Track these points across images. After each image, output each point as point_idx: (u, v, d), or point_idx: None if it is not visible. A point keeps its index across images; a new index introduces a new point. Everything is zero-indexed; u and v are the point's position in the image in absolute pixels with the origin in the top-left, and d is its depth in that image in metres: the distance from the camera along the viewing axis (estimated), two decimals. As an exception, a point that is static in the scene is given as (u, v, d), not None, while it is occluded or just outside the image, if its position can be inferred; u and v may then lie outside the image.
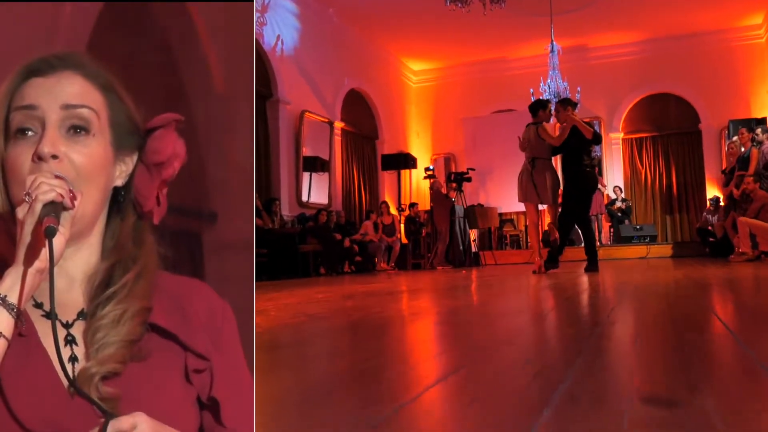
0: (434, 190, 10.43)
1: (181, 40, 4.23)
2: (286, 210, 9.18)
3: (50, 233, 0.78)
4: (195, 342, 0.89)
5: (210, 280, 0.98)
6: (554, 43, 11.22)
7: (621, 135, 13.18)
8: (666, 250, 10.83)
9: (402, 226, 11.26)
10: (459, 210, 10.42)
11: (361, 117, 12.17)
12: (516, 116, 13.00)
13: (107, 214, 0.93)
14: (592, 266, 5.79)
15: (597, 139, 5.87)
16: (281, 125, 9.45)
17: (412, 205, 11.46)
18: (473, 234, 11.76)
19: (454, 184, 10.80)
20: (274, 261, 7.35)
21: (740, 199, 8.12)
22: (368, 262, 9.76)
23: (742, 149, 8.27)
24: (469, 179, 10.95)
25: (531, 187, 5.95)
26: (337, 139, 11.05)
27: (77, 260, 0.90)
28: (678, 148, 12.97)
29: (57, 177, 0.83)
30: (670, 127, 12.97)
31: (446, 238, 9.95)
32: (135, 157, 0.94)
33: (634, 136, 13.21)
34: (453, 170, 12.49)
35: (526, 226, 12.78)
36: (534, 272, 5.92)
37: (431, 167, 12.31)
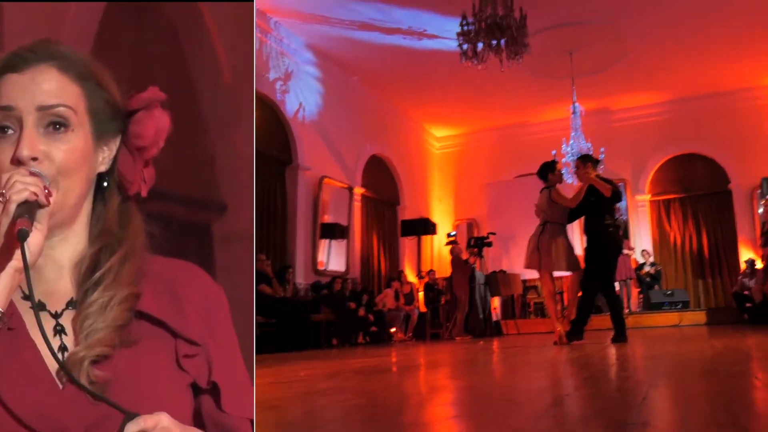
0: (453, 255, 10.21)
1: (189, 32, 4.26)
2: (301, 278, 9.05)
3: (23, 236, 0.78)
4: (186, 328, 0.89)
5: (219, 271, 0.95)
6: (576, 104, 11.13)
7: (648, 197, 12.87)
8: (700, 317, 10.32)
9: (421, 294, 11.00)
10: (480, 276, 10.15)
11: (382, 182, 12.15)
12: (539, 180, 12.87)
13: (92, 200, 0.93)
14: (620, 336, 5.45)
15: (617, 197, 5.61)
16: (299, 191, 9.45)
17: (430, 271, 11.23)
18: (495, 302, 11.43)
19: (475, 249, 10.55)
20: (284, 331, 7.17)
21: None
22: (384, 332, 9.48)
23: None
24: (489, 244, 10.71)
25: (535, 252, 5.70)
26: (357, 205, 11.00)
27: (65, 248, 0.90)
28: (707, 209, 12.58)
29: (32, 173, 0.83)
30: (698, 188, 12.63)
31: (465, 306, 9.65)
32: (118, 140, 0.93)
33: (661, 198, 12.88)
34: (475, 235, 12.27)
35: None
36: (555, 343, 5.57)
37: (453, 233, 12.12)
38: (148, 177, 0.96)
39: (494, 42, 8.50)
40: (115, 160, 0.93)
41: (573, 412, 1.79)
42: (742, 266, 10.72)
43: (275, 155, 9.12)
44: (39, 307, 0.85)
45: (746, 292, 9.91)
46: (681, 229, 12.71)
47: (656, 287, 11.40)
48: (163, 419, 0.77)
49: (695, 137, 12.49)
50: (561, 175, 6.13)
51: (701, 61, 10.82)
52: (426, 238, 12.69)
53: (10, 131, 0.86)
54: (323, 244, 9.88)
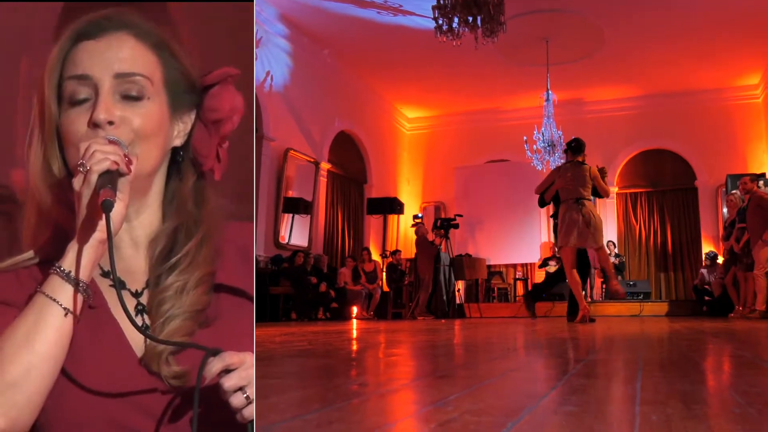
0: (419, 235, 10.02)
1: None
2: (261, 250, 8.75)
3: (107, 207, 0.76)
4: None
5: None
6: (550, 91, 11.03)
7: (615, 189, 12.88)
8: (661, 308, 10.35)
9: (384, 273, 10.80)
10: (445, 258, 9.99)
11: (349, 159, 11.89)
12: (509, 166, 12.78)
13: (167, 176, 0.91)
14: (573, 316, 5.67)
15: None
16: (263, 162, 9.13)
17: (395, 252, 11.03)
18: (459, 285, 11.30)
19: (441, 231, 10.37)
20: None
21: (741, 253, 7.73)
22: (345, 309, 9.26)
23: (742, 202, 7.93)
24: (456, 226, 10.55)
25: (587, 228, 5.55)
26: (323, 180, 10.72)
27: (140, 225, 0.88)
28: (673, 204, 12.68)
29: (110, 142, 0.81)
30: (665, 183, 12.72)
31: (429, 286, 9.47)
32: (193, 116, 0.92)
33: (628, 191, 12.93)
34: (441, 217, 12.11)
35: (515, 279, 12.34)
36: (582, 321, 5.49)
37: (420, 215, 11.95)
38: (222, 156, 0.94)
39: (470, 18, 8.35)
40: (190, 135, 0.92)
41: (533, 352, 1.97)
42: (704, 260, 10.79)
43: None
44: (120, 285, 0.82)
45: (706, 286, 9.97)
46: (646, 222, 12.79)
47: (619, 278, 11.41)
48: (249, 359, 0.76)
49: (665, 133, 12.56)
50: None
51: (674, 59, 10.87)
52: (392, 218, 12.48)
53: (87, 100, 0.84)
54: (286, 218, 9.59)
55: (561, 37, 10.14)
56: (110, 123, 0.83)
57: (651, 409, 0.85)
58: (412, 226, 11.05)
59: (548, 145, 11.11)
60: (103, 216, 0.77)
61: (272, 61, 9.55)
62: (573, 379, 1.23)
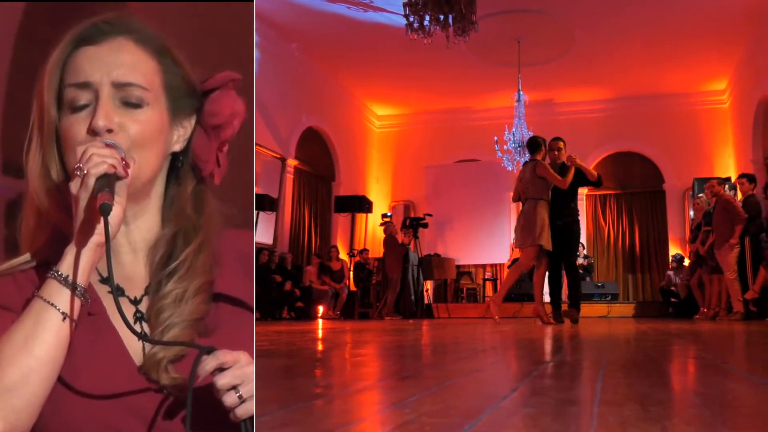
0: (387, 234, 9.86)
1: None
2: (224, 247, 8.49)
3: (105, 210, 0.76)
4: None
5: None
6: (521, 92, 10.98)
7: (585, 191, 12.88)
8: (628, 309, 10.37)
9: (351, 272, 10.62)
10: (413, 257, 9.85)
11: (317, 157, 11.67)
12: (479, 166, 12.70)
13: (166, 181, 0.91)
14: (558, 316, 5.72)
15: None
16: (227, 157, 8.87)
17: (363, 250, 10.86)
18: (428, 285, 11.17)
19: (410, 230, 10.23)
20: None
21: (706, 255, 7.74)
22: (311, 308, 9.05)
23: (708, 205, 7.95)
24: (425, 225, 10.42)
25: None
26: (289, 177, 10.49)
27: (138, 230, 0.88)
28: (641, 206, 12.77)
29: (108, 146, 0.82)
30: (634, 186, 12.79)
31: (397, 286, 9.32)
32: (193, 120, 0.93)
33: (598, 192, 12.94)
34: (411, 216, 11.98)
35: (484, 279, 12.26)
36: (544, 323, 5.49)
37: (389, 214, 11.79)
38: (222, 161, 0.93)
39: (441, 16, 8.24)
40: (189, 140, 0.92)
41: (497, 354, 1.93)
42: (671, 261, 10.85)
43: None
44: (119, 292, 0.83)
45: (673, 288, 10.01)
46: (615, 224, 12.85)
47: (587, 279, 11.41)
48: (243, 357, 0.75)
49: (634, 136, 12.63)
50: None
51: (644, 63, 10.93)
52: (360, 217, 12.30)
53: (87, 106, 0.84)
54: (251, 214, 9.35)
55: (533, 38, 10.10)
56: (109, 131, 0.83)
57: (608, 410, 0.87)
58: (381, 224, 10.89)
59: (519, 146, 11.05)
60: (101, 219, 0.77)
61: (239, 54, 9.30)
62: (535, 380, 1.24)
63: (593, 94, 12.53)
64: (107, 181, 0.79)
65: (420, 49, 8.73)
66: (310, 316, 8.99)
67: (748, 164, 10.32)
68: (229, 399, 0.75)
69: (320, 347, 2.38)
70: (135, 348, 0.83)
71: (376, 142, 13.89)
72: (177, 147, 0.91)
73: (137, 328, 0.84)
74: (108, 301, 0.84)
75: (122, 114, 0.85)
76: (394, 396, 1.02)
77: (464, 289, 11.94)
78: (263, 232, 9.57)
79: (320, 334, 3.57)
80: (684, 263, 10.13)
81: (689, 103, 12.40)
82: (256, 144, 9.43)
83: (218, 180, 0.94)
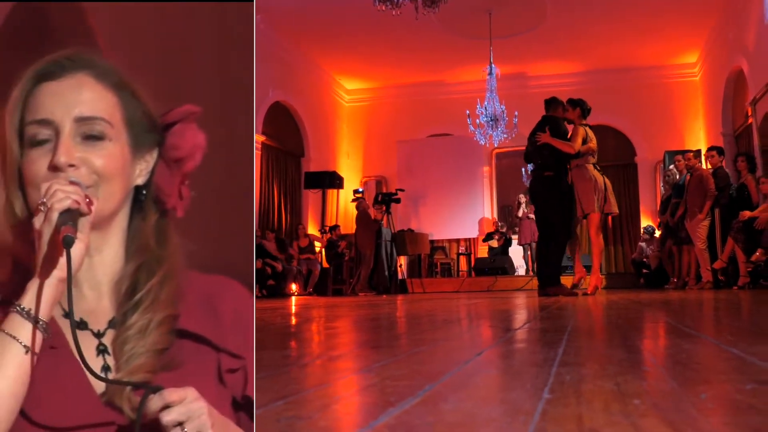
0: (360, 210, 9.71)
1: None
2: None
3: (68, 243, 0.77)
4: (227, 341, 0.88)
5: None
6: (493, 65, 10.83)
7: (556, 164, 12.89)
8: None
9: (323, 250, 10.45)
10: (386, 233, 9.72)
11: (285, 132, 11.41)
12: (452, 141, 12.58)
13: (129, 215, 0.92)
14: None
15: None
16: (192, 133, 8.60)
17: (334, 227, 10.70)
18: (402, 260, 11.07)
19: (383, 206, 10.09)
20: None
21: (676, 227, 7.76)
22: (281, 286, 8.90)
23: (678, 176, 7.95)
24: (398, 200, 10.29)
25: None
26: (257, 154, 10.24)
27: (102, 264, 0.89)
28: (614, 179, 12.63)
29: (72, 183, 0.82)
30: (606, 159, 12.74)
31: (370, 262, 9.21)
32: (155, 154, 0.93)
33: (570, 165, 12.94)
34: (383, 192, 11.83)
35: (458, 254, 12.20)
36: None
37: (361, 189, 11.61)
38: (185, 195, 0.94)
39: (410, -13, 8.04)
40: (152, 173, 0.92)
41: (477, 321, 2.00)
42: (642, 233, 10.93)
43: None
44: (81, 326, 0.85)
45: (645, 259, 10.07)
46: (587, 197, 12.84)
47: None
48: (190, 394, 0.76)
49: (607, 109, 12.56)
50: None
51: (616, 35, 10.88)
52: (331, 193, 12.10)
53: (48, 141, 0.85)
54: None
55: (504, 10, 9.94)
56: (71, 166, 0.83)
57: (567, 370, 0.88)
58: (353, 200, 10.72)
59: (491, 120, 10.94)
60: (64, 253, 0.77)
61: (202, 25, 8.98)
62: (501, 345, 1.28)
63: (565, 67, 12.45)
64: (70, 215, 0.79)
65: (389, 21, 8.52)
66: (283, 293, 8.84)
67: (719, 137, 10.38)
68: None
69: (292, 322, 2.36)
70: (98, 383, 0.83)
71: (346, 116, 13.65)
72: (139, 180, 0.91)
73: (100, 360, 0.84)
74: (70, 336, 0.82)
75: (84, 149, 0.85)
76: (361, 363, 1.04)
77: (438, 263, 11.88)
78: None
79: (293, 310, 3.47)
80: (655, 235, 10.18)
81: (661, 76, 12.43)
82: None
83: (181, 213, 0.94)
